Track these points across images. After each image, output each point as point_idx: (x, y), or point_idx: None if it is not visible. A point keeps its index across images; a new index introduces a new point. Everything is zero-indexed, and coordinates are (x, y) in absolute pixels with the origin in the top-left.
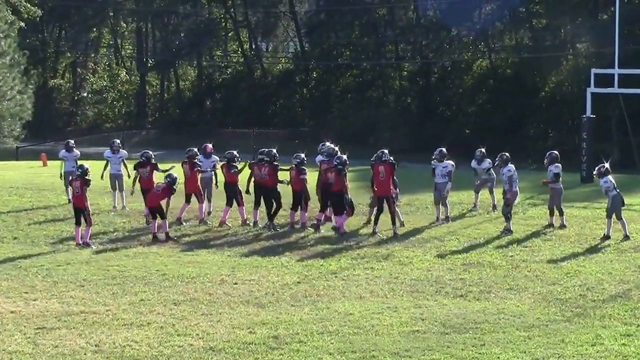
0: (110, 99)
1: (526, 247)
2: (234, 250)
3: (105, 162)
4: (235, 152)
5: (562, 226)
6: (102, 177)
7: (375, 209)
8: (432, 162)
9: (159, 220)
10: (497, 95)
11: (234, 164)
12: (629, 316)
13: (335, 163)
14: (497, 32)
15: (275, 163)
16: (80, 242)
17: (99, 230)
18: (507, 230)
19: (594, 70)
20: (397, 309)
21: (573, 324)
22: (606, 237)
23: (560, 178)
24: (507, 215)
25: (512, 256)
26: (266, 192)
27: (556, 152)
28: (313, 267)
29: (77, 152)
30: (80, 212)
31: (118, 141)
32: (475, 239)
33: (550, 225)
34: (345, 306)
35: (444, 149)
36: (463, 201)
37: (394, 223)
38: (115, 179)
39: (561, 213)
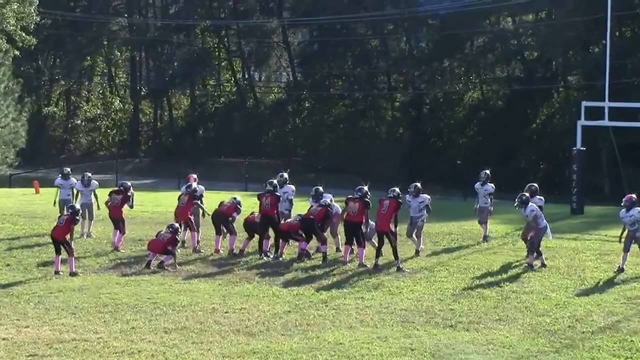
0: (104, 127)
1: (516, 278)
2: (226, 279)
3: (76, 192)
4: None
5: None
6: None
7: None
8: (407, 197)
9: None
10: (488, 126)
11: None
12: (617, 348)
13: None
14: (489, 63)
15: (278, 194)
16: (59, 270)
17: (89, 257)
18: (529, 265)
19: (584, 103)
20: (387, 338)
21: (562, 355)
22: (620, 269)
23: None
24: (534, 250)
25: (501, 287)
26: (269, 222)
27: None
28: (304, 296)
29: (73, 180)
30: (60, 243)
31: (89, 174)
32: (465, 270)
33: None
34: (336, 336)
35: (418, 184)
36: (452, 232)
37: (396, 257)
38: (85, 207)
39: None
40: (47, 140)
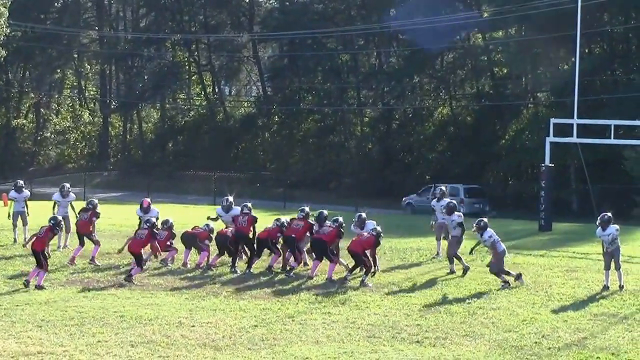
0: (73, 139)
1: (483, 293)
2: (193, 292)
3: (53, 202)
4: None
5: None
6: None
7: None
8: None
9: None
10: (457, 142)
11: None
12: None
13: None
14: (459, 79)
15: (255, 216)
16: (31, 280)
17: (56, 270)
18: (505, 283)
19: (553, 120)
20: (354, 354)
21: None
22: (605, 287)
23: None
24: (501, 274)
25: (468, 303)
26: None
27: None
28: (271, 310)
29: (26, 192)
30: (38, 254)
31: (68, 185)
32: (432, 285)
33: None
34: (302, 350)
35: (453, 205)
36: (422, 247)
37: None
38: (63, 220)
39: (451, 261)
40: (16, 152)
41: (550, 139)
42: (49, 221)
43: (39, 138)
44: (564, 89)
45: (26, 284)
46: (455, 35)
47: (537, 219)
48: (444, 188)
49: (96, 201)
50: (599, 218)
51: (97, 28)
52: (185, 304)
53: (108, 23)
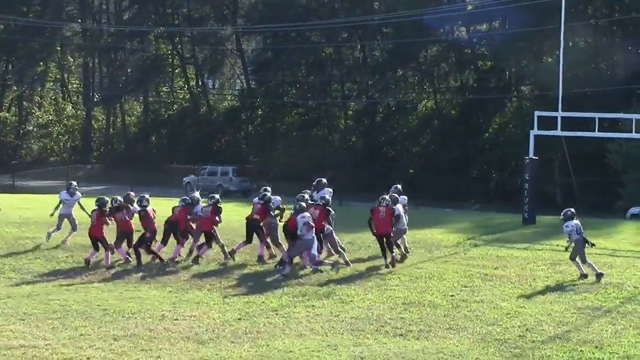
0: (56, 133)
1: (466, 287)
2: (176, 286)
3: (58, 201)
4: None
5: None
6: (51, 214)
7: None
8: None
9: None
10: (441, 135)
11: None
12: (567, 358)
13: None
14: (443, 72)
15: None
16: (109, 264)
17: (38, 263)
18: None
19: (537, 113)
20: (337, 347)
21: None
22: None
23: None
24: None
25: (452, 296)
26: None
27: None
28: (254, 304)
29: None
30: (96, 240)
31: (75, 183)
32: (416, 278)
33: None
34: (285, 344)
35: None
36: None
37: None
38: (66, 217)
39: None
40: None
41: (535, 131)
42: (96, 203)
43: (21, 131)
44: (548, 82)
45: (87, 263)
46: (440, 28)
47: (521, 212)
48: (399, 186)
49: (106, 199)
50: (562, 213)
51: (80, 21)
52: (169, 297)
53: (91, 16)
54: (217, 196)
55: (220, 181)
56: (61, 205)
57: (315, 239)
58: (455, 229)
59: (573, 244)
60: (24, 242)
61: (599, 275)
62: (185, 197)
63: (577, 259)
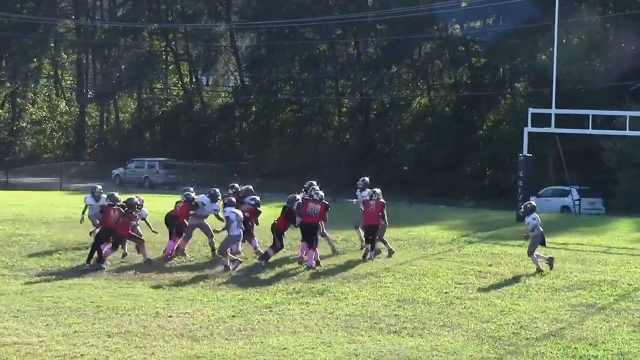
0: (50, 129)
1: (460, 284)
2: (170, 282)
3: (84, 206)
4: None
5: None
6: (81, 221)
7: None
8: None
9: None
10: (435, 132)
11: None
12: (561, 355)
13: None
14: (437, 69)
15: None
16: (146, 257)
17: (32, 260)
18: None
19: (531, 110)
20: (331, 344)
21: None
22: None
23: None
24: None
25: (446, 293)
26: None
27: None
28: (248, 301)
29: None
30: (180, 227)
31: (100, 187)
32: (410, 276)
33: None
34: (280, 341)
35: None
36: (399, 237)
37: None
38: (97, 217)
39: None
40: None
41: (529, 129)
42: (184, 197)
43: (15, 128)
44: (542, 79)
45: (148, 261)
46: (433, 25)
47: (515, 209)
48: (367, 179)
49: (116, 194)
50: (522, 206)
51: (73, 17)
52: (163, 294)
53: (85, 12)
54: (193, 193)
55: (147, 174)
56: (87, 210)
57: (241, 234)
58: (449, 226)
59: (530, 240)
60: (17, 239)
61: (551, 260)
62: (187, 193)
63: (534, 254)
